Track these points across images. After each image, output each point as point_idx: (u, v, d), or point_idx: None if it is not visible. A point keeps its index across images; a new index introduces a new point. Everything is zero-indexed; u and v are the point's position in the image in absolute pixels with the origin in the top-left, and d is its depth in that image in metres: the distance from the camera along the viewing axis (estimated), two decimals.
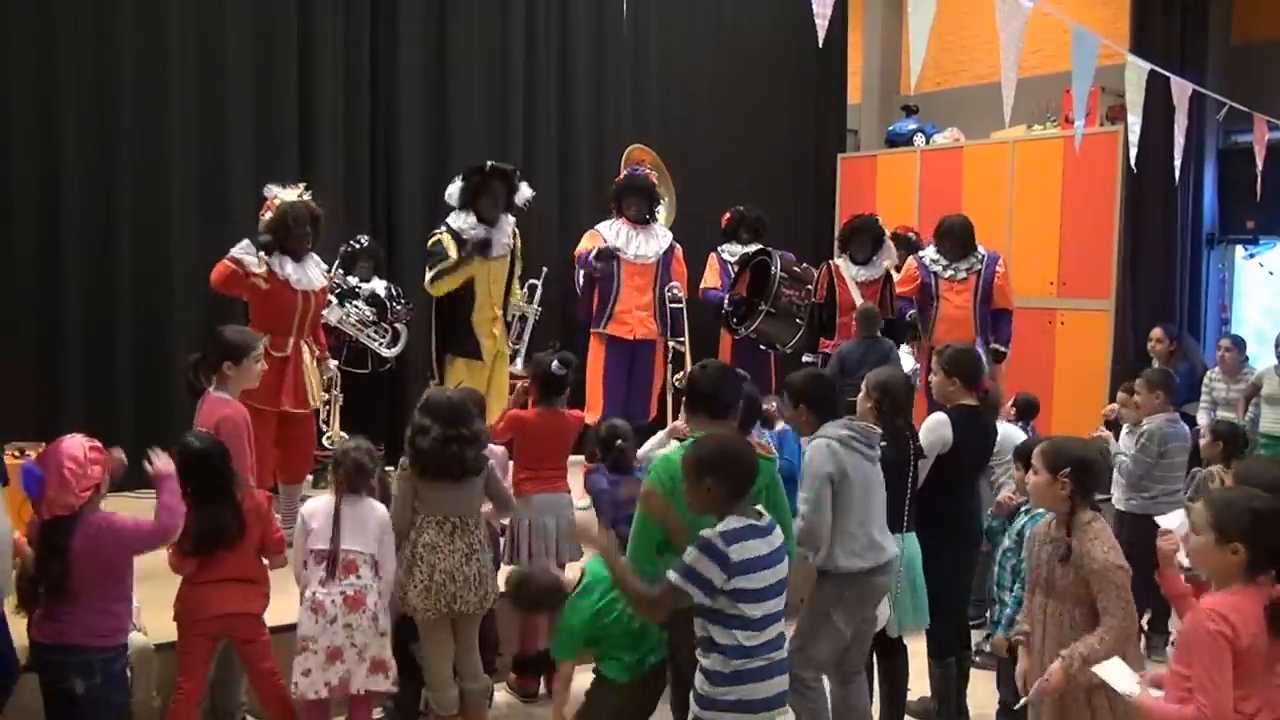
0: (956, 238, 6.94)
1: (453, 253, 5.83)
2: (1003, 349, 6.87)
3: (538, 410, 4.59)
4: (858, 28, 10.08)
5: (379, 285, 6.63)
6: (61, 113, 6.05)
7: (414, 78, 7.35)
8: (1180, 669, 2.64)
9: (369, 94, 7.20)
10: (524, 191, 6.08)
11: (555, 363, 4.52)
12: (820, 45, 4.80)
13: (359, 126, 7.16)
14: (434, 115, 7.47)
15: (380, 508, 3.85)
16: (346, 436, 5.25)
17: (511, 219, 6.06)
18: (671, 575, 2.96)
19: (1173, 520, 3.49)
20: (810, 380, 3.91)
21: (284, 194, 5.24)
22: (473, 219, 5.89)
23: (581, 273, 6.99)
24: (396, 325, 6.59)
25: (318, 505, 3.77)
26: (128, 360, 6.28)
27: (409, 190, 7.37)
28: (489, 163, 5.98)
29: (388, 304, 6.57)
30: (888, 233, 7.40)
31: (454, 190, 5.96)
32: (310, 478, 6.28)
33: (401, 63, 7.28)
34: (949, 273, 6.96)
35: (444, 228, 5.89)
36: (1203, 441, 5.07)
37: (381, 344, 6.50)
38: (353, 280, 6.51)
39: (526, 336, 6.41)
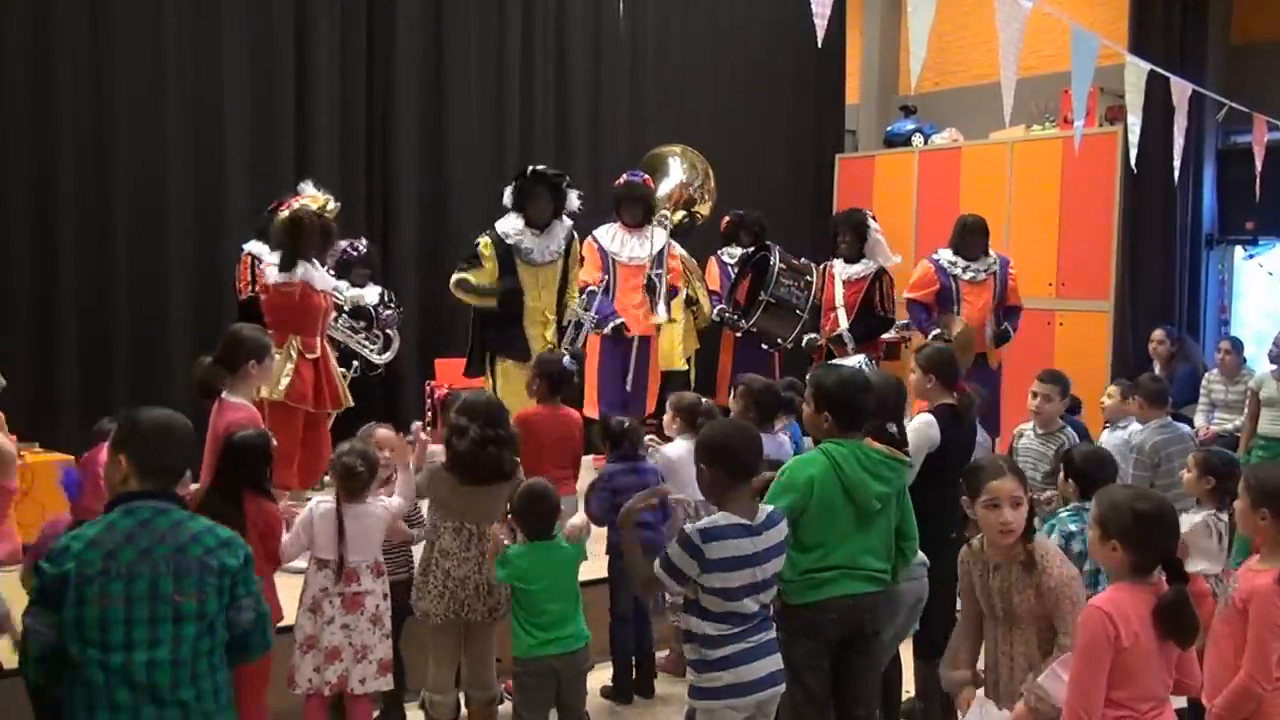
0: (982, 234, 6.79)
1: (488, 261, 5.81)
2: (1010, 329, 6.75)
3: (541, 408, 4.60)
4: (856, 28, 10.06)
5: (373, 292, 6.57)
6: (58, 115, 6.04)
7: (410, 80, 7.33)
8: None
9: (365, 96, 7.19)
10: (572, 199, 6.06)
11: (567, 358, 4.60)
12: (819, 45, 4.78)
13: (355, 129, 7.15)
14: (430, 118, 7.46)
15: (380, 506, 3.81)
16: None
17: (567, 223, 6.05)
18: (656, 566, 3.07)
19: (1184, 524, 3.47)
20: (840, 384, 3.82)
21: (304, 199, 5.26)
22: (520, 223, 5.86)
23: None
24: (387, 331, 6.54)
25: (319, 513, 3.73)
26: (124, 361, 6.26)
27: (405, 193, 7.35)
28: (530, 167, 5.95)
29: (374, 313, 6.51)
30: (876, 228, 7.19)
31: (507, 192, 5.96)
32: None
33: (398, 65, 7.27)
34: (969, 275, 6.77)
35: (489, 232, 5.87)
36: (1187, 475, 4.16)
37: (372, 350, 6.47)
38: (344, 285, 6.44)
39: (581, 341, 6.31)
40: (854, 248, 7.00)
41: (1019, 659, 3.04)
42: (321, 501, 3.77)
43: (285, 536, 3.76)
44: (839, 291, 6.95)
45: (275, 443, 3.76)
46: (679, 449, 4.55)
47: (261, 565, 3.48)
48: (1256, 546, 3.09)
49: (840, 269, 7.02)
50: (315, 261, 5.26)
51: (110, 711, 2.32)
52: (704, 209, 7.70)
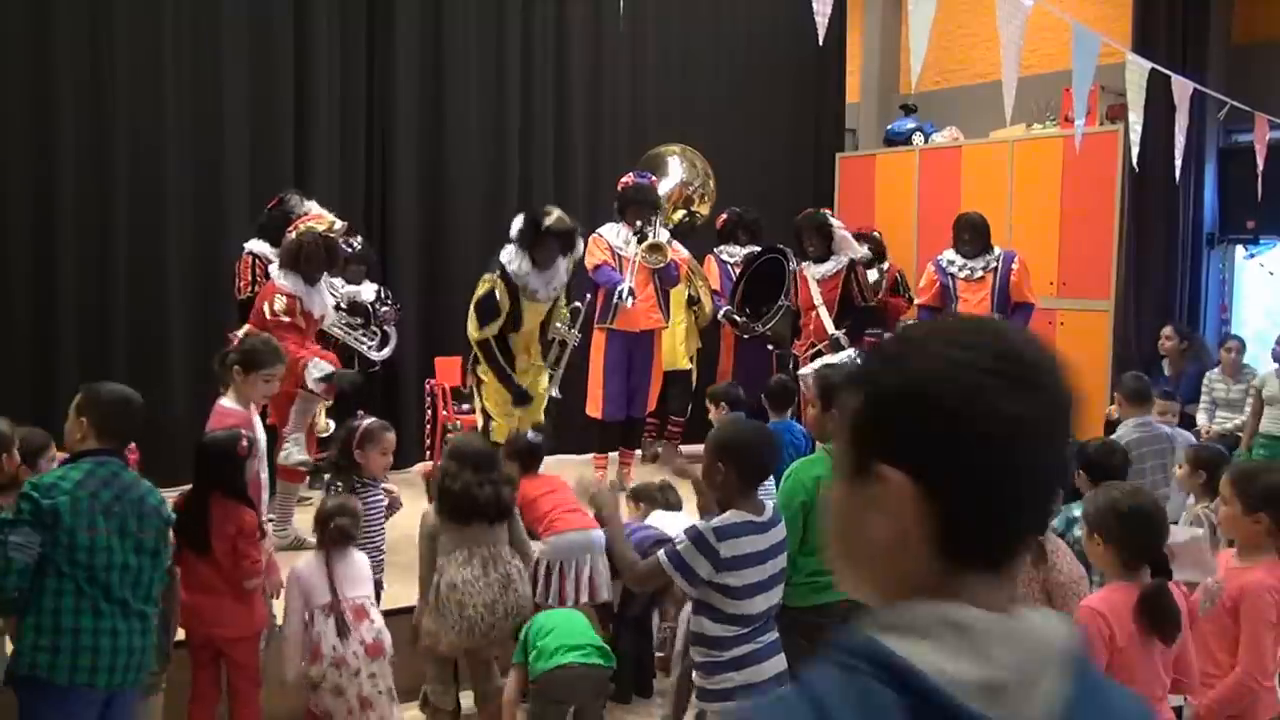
0: (976, 231, 6.80)
1: (504, 303, 5.74)
2: None
3: (526, 479, 4.54)
4: (856, 27, 10.05)
5: (369, 289, 6.58)
6: (58, 115, 6.03)
7: (410, 80, 7.32)
8: None
9: (365, 97, 7.17)
10: (579, 247, 6.02)
11: (531, 433, 4.67)
12: (820, 44, 4.77)
13: (355, 129, 7.13)
14: (430, 118, 7.44)
15: (364, 556, 3.83)
16: (334, 425, 5.31)
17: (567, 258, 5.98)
18: (661, 557, 3.02)
19: (1178, 536, 3.46)
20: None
21: (312, 220, 5.32)
22: (528, 263, 5.76)
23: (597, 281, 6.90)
24: (385, 328, 6.55)
25: (307, 565, 3.71)
26: (124, 361, 6.25)
27: (404, 193, 7.34)
28: (546, 222, 5.71)
29: (372, 309, 6.53)
30: (838, 224, 7.26)
31: (515, 229, 5.78)
32: (306, 479, 6.25)
33: (398, 65, 7.25)
34: (964, 272, 6.82)
35: (497, 271, 5.75)
36: (1180, 471, 4.26)
37: (370, 347, 6.47)
38: (339, 283, 6.41)
39: (564, 361, 6.21)
40: (821, 247, 7.07)
41: None
42: (297, 562, 3.77)
43: (279, 615, 3.72)
44: (814, 290, 7.00)
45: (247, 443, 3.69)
46: (655, 520, 4.62)
47: (231, 571, 3.44)
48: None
49: (811, 269, 7.08)
50: (323, 281, 5.35)
51: (94, 616, 2.94)
52: (703, 208, 7.69)
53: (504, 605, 3.76)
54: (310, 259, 5.23)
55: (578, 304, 6.36)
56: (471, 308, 5.80)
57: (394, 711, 3.66)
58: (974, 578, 0.91)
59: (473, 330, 5.80)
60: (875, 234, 8.18)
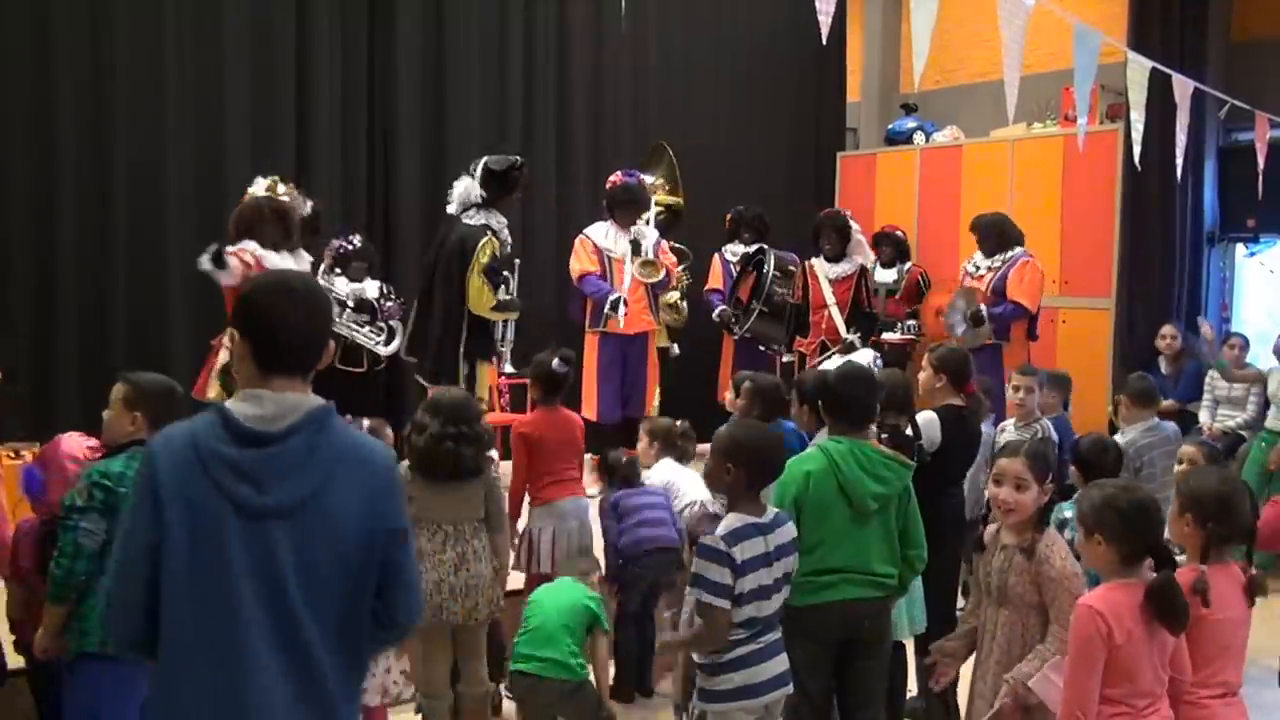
0: (979, 232, 7.00)
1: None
2: (983, 314, 6.69)
3: (539, 412, 4.57)
4: (857, 25, 10.05)
5: (371, 286, 6.57)
6: (58, 114, 6.03)
7: (412, 80, 7.32)
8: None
9: (366, 95, 7.18)
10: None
11: (557, 360, 4.52)
12: (823, 43, 4.78)
13: (356, 128, 7.14)
14: (431, 116, 7.44)
15: None
16: None
17: None
18: (699, 596, 2.96)
19: None
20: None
21: (252, 189, 5.31)
22: (501, 217, 5.82)
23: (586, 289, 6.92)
24: (390, 323, 6.55)
25: None
26: (123, 361, 6.21)
27: (406, 192, 7.34)
28: (519, 158, 5.92)
29: (377, 305, 6.52)
30: (856, 228, 7.35)
31: (478, 191, 5.83)
32: None
33: (399, 64, 7.25)
34: (972, 268, 7.03)
35: (489, 234, 5.78)
36: (1179, 467, 4.30)
37: (378, 342, 6.47)
38: (342, 282, 6.39)
39: (510, 335, 6.31)
40: (837, 247, 7.15)
41: (1000, 639, 3.09)
42: None
43: None
44: (826, 290, 7.04)
45: None
46: (665, 471, 4.64)
47: None
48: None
49: (824, 268, 7.14)
50: (295, 254, 5.27)
51: None
52: (670, 199, 7.67)
53: (450, 584, 3.63)
54: (255, 224, 5.14)
55: (504, 273, 6.20)
56: (479, 278, 5.75)
57: (374, 686, 3.66)
58: (272, 378, 1.96)
59: (488, 299, 5.75)
60: (898, 233, 8.20)
